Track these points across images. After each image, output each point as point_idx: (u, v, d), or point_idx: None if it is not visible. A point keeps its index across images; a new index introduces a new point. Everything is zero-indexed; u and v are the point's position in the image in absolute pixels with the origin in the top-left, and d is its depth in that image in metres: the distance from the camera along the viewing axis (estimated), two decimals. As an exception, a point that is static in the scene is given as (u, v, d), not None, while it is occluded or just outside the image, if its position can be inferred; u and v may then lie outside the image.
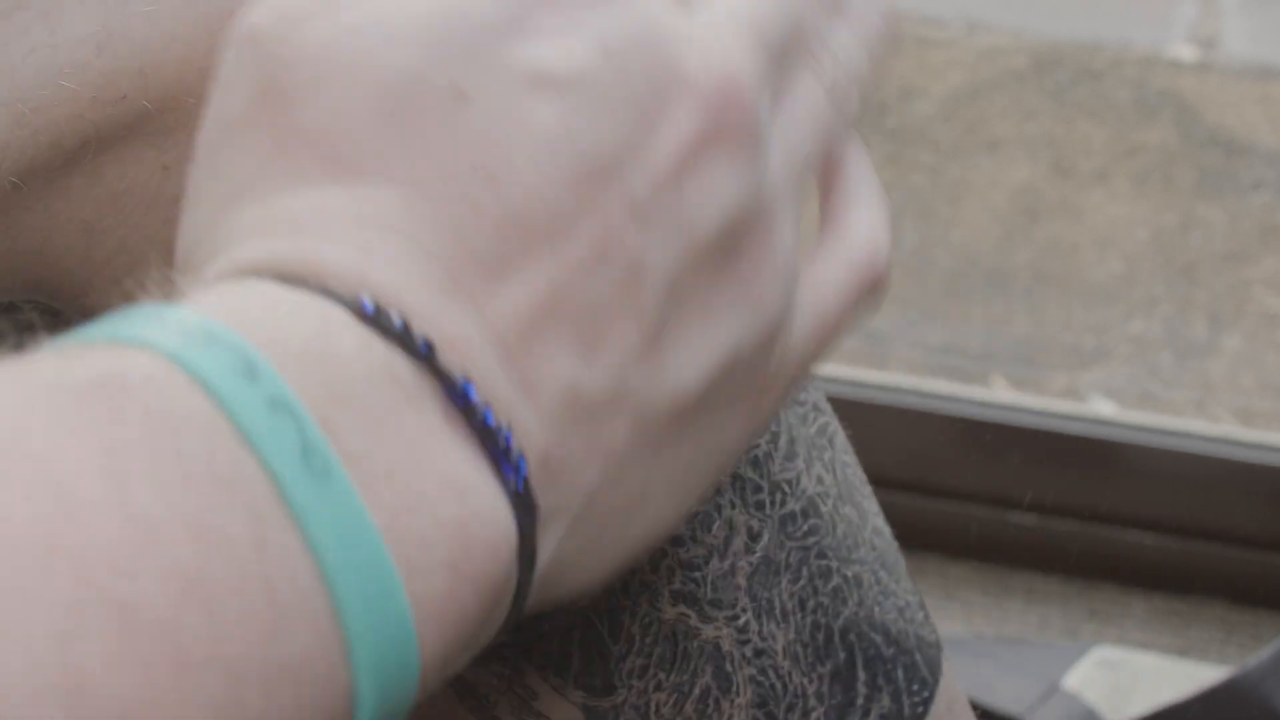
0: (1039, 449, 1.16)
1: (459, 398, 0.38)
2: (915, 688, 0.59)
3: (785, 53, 0.44)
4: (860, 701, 0.58)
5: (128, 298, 0.39)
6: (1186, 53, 1.65)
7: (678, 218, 0.41)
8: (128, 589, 0.33)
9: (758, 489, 0.56)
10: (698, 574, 0.56)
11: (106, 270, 0.55)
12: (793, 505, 0.57)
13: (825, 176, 0.47)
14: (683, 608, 0.56)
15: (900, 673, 0.59)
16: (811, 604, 0.57)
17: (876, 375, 1.29)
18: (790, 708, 0.57)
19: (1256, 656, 0.93)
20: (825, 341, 0.45)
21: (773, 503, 0.57)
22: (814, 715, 0.57)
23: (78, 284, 0.55)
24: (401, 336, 0.38)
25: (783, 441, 0.57)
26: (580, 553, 0.42)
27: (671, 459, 0.43)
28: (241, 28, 0.43)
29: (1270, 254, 1.44)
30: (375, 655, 0.36)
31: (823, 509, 0.58)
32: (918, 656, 0.59)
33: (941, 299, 1.43)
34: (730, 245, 0.42)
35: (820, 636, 0.57)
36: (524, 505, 0.39)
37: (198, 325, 0.37)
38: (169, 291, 0.40)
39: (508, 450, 0.39)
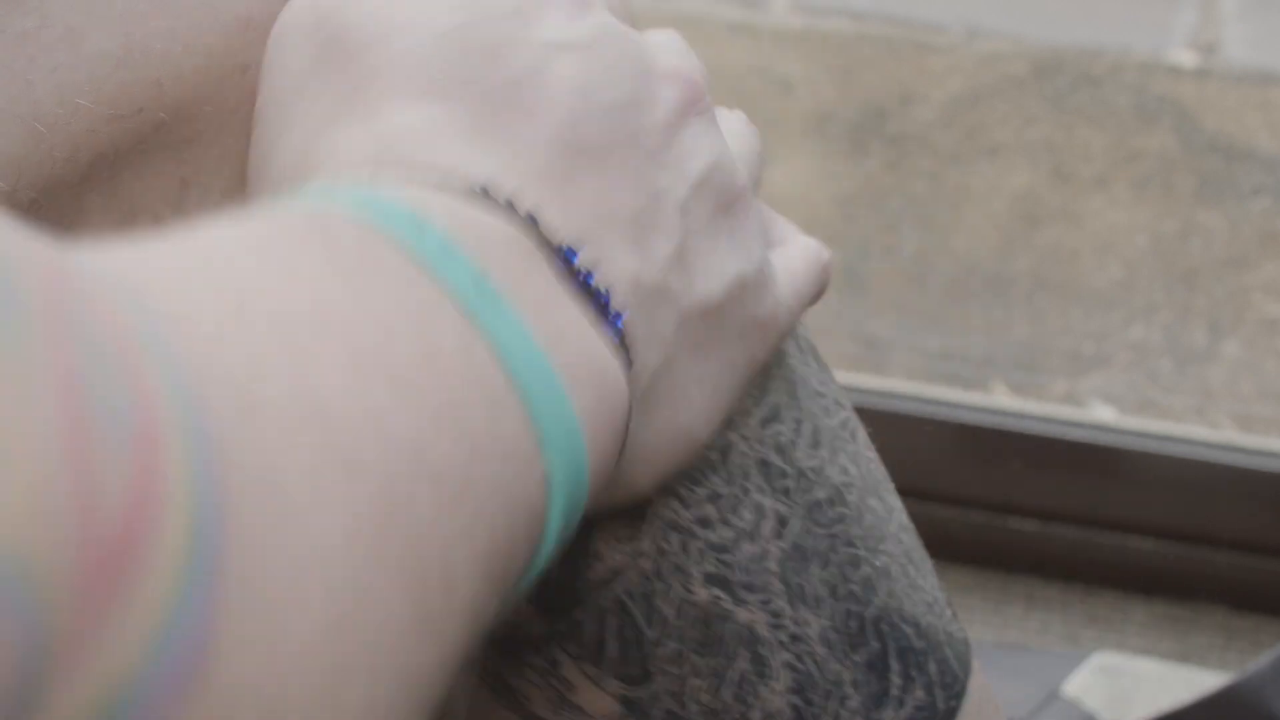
0: (1039, 455, 1.16)
1: (564, 262, 0.47)
2: (948, 681, 0.59)
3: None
4: (894, 692, 0.58)
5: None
6: (1186, 59, 1.65)
7: (678, 159, 0.52)
8: (384, 361, 0.40)
9: (783, 474, 0.57)
10: (729, 556, 0.56)
11: None
12: (819, 493, 0.58)
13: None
14: (715, 590, 0.56)
15: (933, 666, 0.59)
16: (842, 591, 0.58)
17: (876, 381, 1.29)
18: (827, 695, 0.57)
19: (1257, 663, 0.93)
20: (800, 303, 0.57)
21: (799, 488, 0.57)
22: (850, 704, 0.57)
23: None
24: (510, 210, 0.46)
25: (806, 429, 0.58)
26: (639, 441, 0.51)
27: (704, 362, 0.52)
28: (293, 8, 0.52)
29: (1270, 260, 1.44)
30: (561, 453, 0.43)
31: (849, 498, 0.59)
32: (948, 651, 0.60)
33: (941, 305, 1.43)
34: (720, 195, 0.53)
35: (853, 625, 0.58)
36: (624, 356, 0.48)
37: (364, 195, 0.44)
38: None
39: (608, 307, 0.48)
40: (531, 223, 0.47)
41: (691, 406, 0.53)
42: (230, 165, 0.54)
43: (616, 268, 0.49)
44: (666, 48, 0.54)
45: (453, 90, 0.49)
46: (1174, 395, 1.33)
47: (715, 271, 0.52)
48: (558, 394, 0.44)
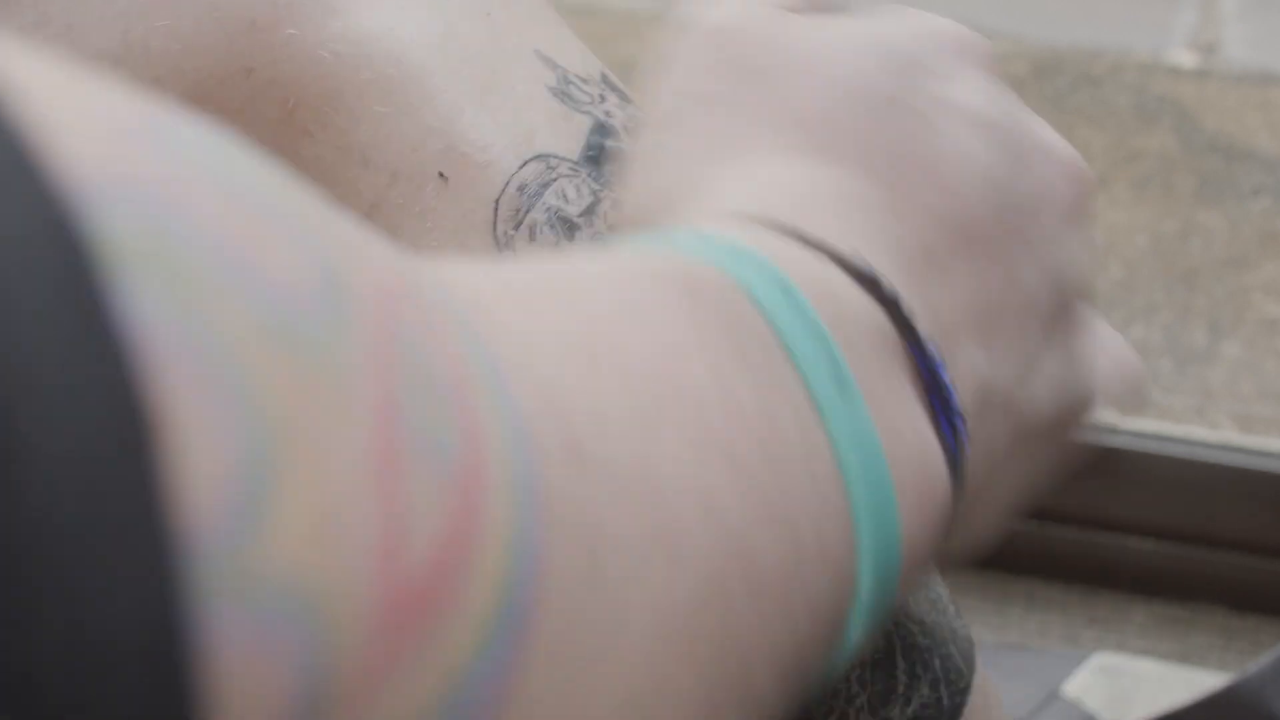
0: (1039, 455, 1.15)
1: (919, 355, 0.43)
2: (953, 677, 0.59)
3: None
4: (901, 690, 0.58)
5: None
6: (1186, 59, 1.65)
7: (1053, 263, 0.47)
8: (727, 437, 0.37)
9: None
10: None
11: None
12: None
13: None
14: None
15: (938, 663, 0.59)
16: None
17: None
18: (835, 693, 0.57)
19: (1257, 663, 0.93)
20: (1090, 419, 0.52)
21: None
22: (857, 702, 0.57)
23: None
24: (883, 294, 0.42)
25: None
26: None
27: (1010, 480, 0.48)
28: (700, 22, 0.48)
29: (1270, 260, 1.44)
30: (874, 554, 0.40)
31: None
32: (953, 648, 0.60)
33: (941, 305, 1.43)
34: (1075, 308, 0.48)
35: None
36: (955, 464, 0.43)
37: (743, 249, 0.41)
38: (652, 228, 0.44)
39: (953, 410, 0.43)
40: (894, 304, 0.42)
41: (988, 522, 0.48)
42: None
43: (965, 367, 0.44)
44: (1049, 129, 0.49)
45: (846, 152, 0.45)
46: (1174, 395, 1.33)
47: (1051, 388, 0.48)
48: (889, 506, 0.40)
